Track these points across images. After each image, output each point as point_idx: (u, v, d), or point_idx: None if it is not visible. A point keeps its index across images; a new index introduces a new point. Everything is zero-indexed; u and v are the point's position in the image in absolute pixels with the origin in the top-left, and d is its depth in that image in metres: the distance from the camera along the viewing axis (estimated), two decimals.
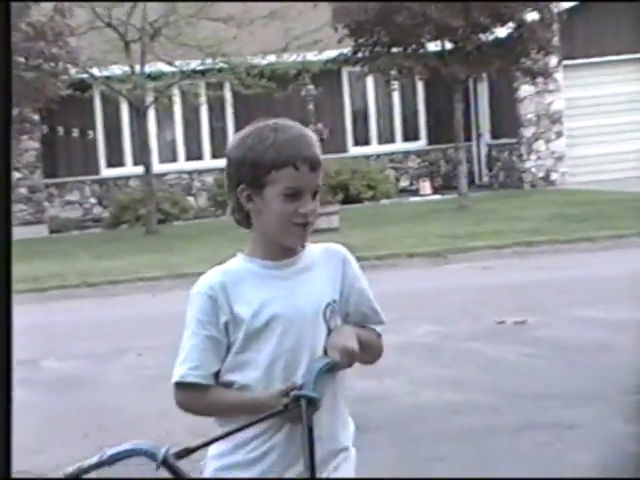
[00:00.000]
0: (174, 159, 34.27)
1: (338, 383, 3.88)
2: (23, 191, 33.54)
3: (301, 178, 3.74)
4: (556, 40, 29.35)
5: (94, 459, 3.50)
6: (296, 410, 3.66)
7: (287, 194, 3.74)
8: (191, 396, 3.80)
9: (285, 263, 3.85)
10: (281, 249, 3.84)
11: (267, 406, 3.64)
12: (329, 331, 3.82)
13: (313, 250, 3.92)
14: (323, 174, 3.91)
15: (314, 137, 3.86)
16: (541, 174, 33.45)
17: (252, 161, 3.76)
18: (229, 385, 3.78)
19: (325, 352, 3.79)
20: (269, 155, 3.74)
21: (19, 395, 11.67)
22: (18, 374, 10.77)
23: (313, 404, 3.59)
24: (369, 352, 3.97)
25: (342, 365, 3.75)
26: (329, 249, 3.94)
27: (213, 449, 3.81)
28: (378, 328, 4.00)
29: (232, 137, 3.95)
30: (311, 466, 3.64)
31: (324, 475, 3.81)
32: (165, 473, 3.47)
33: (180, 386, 3.79)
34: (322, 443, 3.78)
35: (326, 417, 3.81)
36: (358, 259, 4.03)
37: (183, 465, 3.54)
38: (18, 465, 8.88)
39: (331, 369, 3.69)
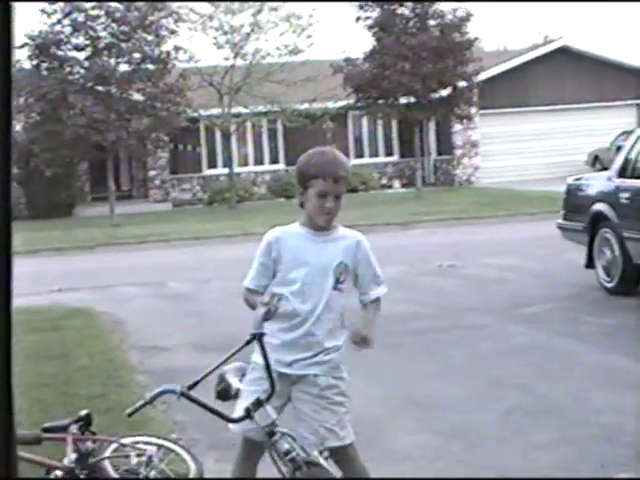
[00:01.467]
0: (246, 164, 34.16)
1: (336, 312, 3.91)
2: (157, 182, 33.59)
3: (327, 186, 3.79)
4: (476, 98, 29.29)
5: (141, 402, 3.53)
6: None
7: (318, 195, 3.79)
8: (248, 295, 3.91)
9: (321, 233, 3.89)
10: (317, 225, 3.86)
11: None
12: (336, 281, 3.85)
13: (342, 231, 3.94)
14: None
15: (344, 161, 3.90)
16: (465, 177, 33.38)
17: (303, 172, 3.87)
18: (278, 294, 3.82)
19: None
20: (311, 170, 3.82)
21: (154, 302, 11.68)
22: (152, 290, 10.83)
23: (262, 336, 3.55)
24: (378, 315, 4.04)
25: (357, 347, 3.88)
26: (352, 233, 3.97)
27: (267, 338, 3.82)
28: (381, 289, 3.99)
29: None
30: (270, 378, 3.62)
31: (318, 357, 3.85)
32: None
33: (245, 288, 3.94)
34: (318, 345, 3.85)
35: (324, 330, 3.87)
36: (356, 226, 4.03)
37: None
38: (152, 342, 8.82)
39: (267, 315, 3.61)
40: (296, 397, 3.87)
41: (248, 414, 3.62)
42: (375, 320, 3.98)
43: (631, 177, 10.54)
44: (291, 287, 3.85)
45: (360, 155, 34.91)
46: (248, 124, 32.70)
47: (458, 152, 33.33)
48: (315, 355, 3.85)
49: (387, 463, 5.18)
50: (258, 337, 3.57)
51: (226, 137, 30.37)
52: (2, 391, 1.18)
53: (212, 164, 34.10)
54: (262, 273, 3.91)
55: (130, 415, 3.56)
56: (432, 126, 34.43)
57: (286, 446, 3.68)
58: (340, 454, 3.88)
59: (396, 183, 34.23)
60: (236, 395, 3.82)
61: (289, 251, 3.87)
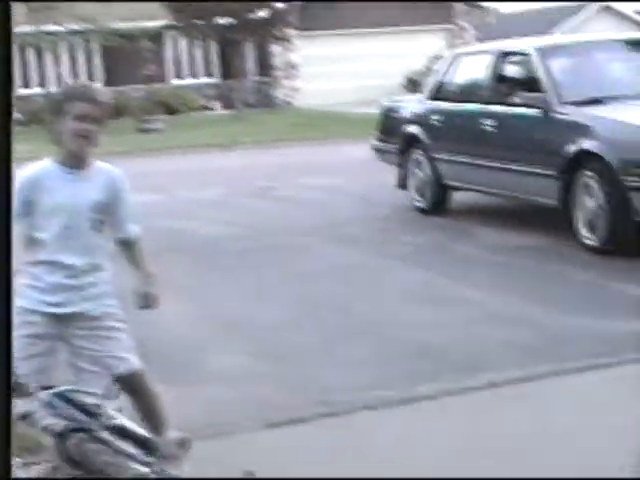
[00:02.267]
0: (62, 85, 32.92)
1: (99, 251, 3.75)
2: None
3: (84, 108, 3.61)
4: (295, 20, 29.22)
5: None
6: None
7: (75, 117, 3.61)
8: None
9: (76, 170, 3.69)
10: (73, 158, 3.68)
11: None
12: (95, 220, 3.68)
13: (101, 167, 3.77)
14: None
15: (101, 92, 3.73)
16: (285, 99, 33.40)
17: (58, 99, 3.73)
18: (37, 239, 3.67)
19: None
20: (68, 94, 3.71)
21: None
22: None
23: None
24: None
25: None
26: (110, 170, 3.80)
27: (31, 281, 3.68)
28: (136, 227, 3.86)
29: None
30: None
31: (86, 293, 3.69)
32: None
33: None
34: (86, 283, 3.69)
35: (88, 269, 3.69)
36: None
37: None
38: None
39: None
40: (72, 335, 3.71)
41: None
42: (151, 271, 3.84)
43: (442, 99, 10.78)
44: (49, 231, 3.65)
45: (179, 76, 34.25)
46: (63, 42, 31.46)
47: (279, 74, 33.22)
48: (82, 292, 3.70)
49: (209, 385, 5.17)
50: None
51: (40, 57, 29.14)
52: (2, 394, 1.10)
53: (25, 84, 32.67)
54: (16, 214, 3.61)
55: None
56: (251, 48, 34.10)
57: (45, 422, 3.46)
58: (131, 382, 3.77)
59: (216, 105, 33.83)
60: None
61: (43, 193, 3.65)
